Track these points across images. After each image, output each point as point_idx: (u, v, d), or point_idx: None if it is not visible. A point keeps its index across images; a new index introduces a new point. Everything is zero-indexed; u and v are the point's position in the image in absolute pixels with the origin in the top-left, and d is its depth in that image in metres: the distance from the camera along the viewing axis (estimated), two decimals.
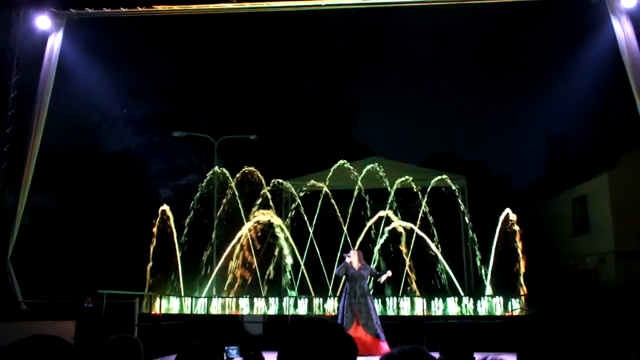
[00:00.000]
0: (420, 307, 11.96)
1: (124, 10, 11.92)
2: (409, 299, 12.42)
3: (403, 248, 14.25)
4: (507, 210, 13.57)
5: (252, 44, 26.06)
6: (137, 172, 26.45)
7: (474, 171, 22.53)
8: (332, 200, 14.95)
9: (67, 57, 12.52)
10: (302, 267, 14.57)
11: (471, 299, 12.36)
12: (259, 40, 25.79)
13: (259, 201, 15.08)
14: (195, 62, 27.46)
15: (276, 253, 15.14)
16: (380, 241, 14.28)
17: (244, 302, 12.74)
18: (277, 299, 12.81)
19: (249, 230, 14.64)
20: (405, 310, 12.12)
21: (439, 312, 12.03)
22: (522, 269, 13.07)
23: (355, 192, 15.12)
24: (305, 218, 15.02)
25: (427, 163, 23.16)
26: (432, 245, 14.06)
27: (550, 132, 30.43)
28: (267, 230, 15.24)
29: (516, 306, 11.93)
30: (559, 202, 21.99)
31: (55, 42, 11.74)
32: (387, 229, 14.23)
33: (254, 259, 14.94)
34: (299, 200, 15.37)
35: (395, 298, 12.44)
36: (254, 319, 12.11)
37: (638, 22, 10.68)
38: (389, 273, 9.82)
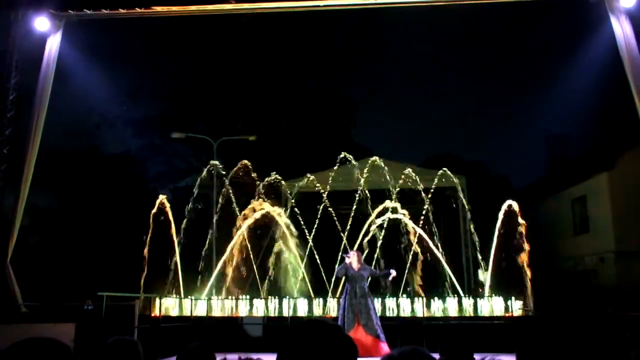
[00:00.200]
0: (420, 307, 11.94)
1: (122, 11, 11.92)
2: (409, 299, 12.41)
3: (413, 241, 14.02)
4: (509, 201, 13.50)
5: (251, 45, 26.06)
6: (136, 174, 26.45)
7: (473, 171, 22.53)
8: (327, 202, 14.92)
9: (66, 59, 12.51)
10: (302, 268, 14.55)
11: (471, 298, 12.34)
12: (258, 41, 25.79)
13: (256, 198, 14.97)
14: (194, 63, 27.47)
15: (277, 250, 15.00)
16: (379, 234, 14.19)
17: (243, 303, 12.73)
18: (277, 299, 12.79)
19: (249, 226, 14.53)
20: (405, 312, 12.09)
21: (439, 313, 12.02)
22: (527, 267, 12.99)
23: (358, 192, 15.05)
24: (302, 220, 14.96)
25: (426, 163, 23.12)
26: (432, 245, 14.03)
27: (549, 132, 30.50)
28: (267, 226, 15.15)
29: (518, 306, 11.93)
30: (559, 202, 21.99)
31: (54, 44, 11.72)
32: (386, 216, 14.09)
33: (253, 259, 14.88)
34: (292, 202, 15.33)
35: (395, 298, 12.42)
36: (253, 320, 12.10)
37: (637, 22, 10.68)
38: (394, 273, 9.76)
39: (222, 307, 12.79)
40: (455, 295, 12.84)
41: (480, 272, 14.95)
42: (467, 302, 12.15)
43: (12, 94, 11.57)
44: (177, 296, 13.40)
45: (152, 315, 11.30)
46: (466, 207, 15.93)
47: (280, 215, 14.62)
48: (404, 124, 49.17)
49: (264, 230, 15.27)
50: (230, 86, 26.67)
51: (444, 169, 15.21)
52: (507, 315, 11.75)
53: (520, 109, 48.51)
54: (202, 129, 25.21)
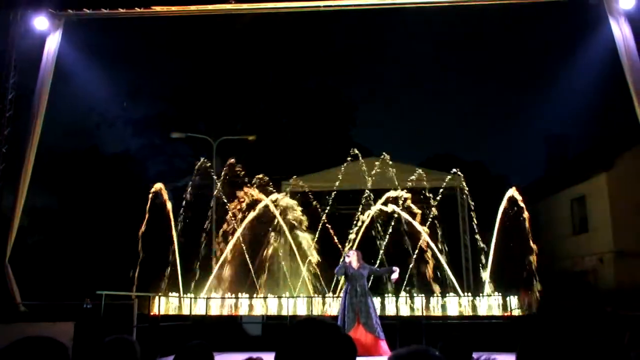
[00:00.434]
0: (419, 307, 11.95)
1: (122, 11, 11.90)
2: (409, 298, 12.41)
3: (424, 235, 13.93)
4: (511, 190, 13.40)
5: (251, 45, 26.04)
6: (136, 174, 26.43)
7: (473, 171, 22.51)
8: (330, 200, 14.91)
9: (65, 58, 12.48)
10: (303, 269, 14.55)
11: (471, 297, 12.35)
12: (258, 41, 25.77)
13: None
14: (194, 63, 27.46)
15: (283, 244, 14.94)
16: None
17: (243, 302, 12.73)
18: (277, 298, 12.79)
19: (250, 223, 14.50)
20: (405, 311, 12.10)
21: (439, 312, 12.03)
22: (534, 262, 12.94)
23: (365, 191, 15.01)
24: (305, 218, 14.98)
25: (426, 163, 23.09)
26: (433, 245, 14.03)
27: (549, 132, 30.47)
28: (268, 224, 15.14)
29: (514, 305, 11.93)
30: (558, 202, 21.99)
31: (53, 43, 11.70)
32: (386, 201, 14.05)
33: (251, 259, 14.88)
34: (293, 203, 15.33)
35: (395, 297, 12.42)
36: (253, 319, 12.10)
37: (636, 23, 10.67)
38: (396, 273, 9.72)
39: (221, 305, 12.81)
40: (460, 296, 12.83)
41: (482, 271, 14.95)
42: (466, 301, 12.16)
43: (10, 93, 11.55)
44: (176, 296, 13.39)
45: (151, 314, 11.30)
46: (471, 205, 15.91)
47: (293, 208, 14.54)
48: (404, 124, 49.15)
49: (264, 226, 15.25)
50: (230, 86, 26.66)
51: (455, 169, 15.23)
52: (505, 314, 11.77)
53: (520, 109, 48.55)
54: (202, 129, 25.21)
